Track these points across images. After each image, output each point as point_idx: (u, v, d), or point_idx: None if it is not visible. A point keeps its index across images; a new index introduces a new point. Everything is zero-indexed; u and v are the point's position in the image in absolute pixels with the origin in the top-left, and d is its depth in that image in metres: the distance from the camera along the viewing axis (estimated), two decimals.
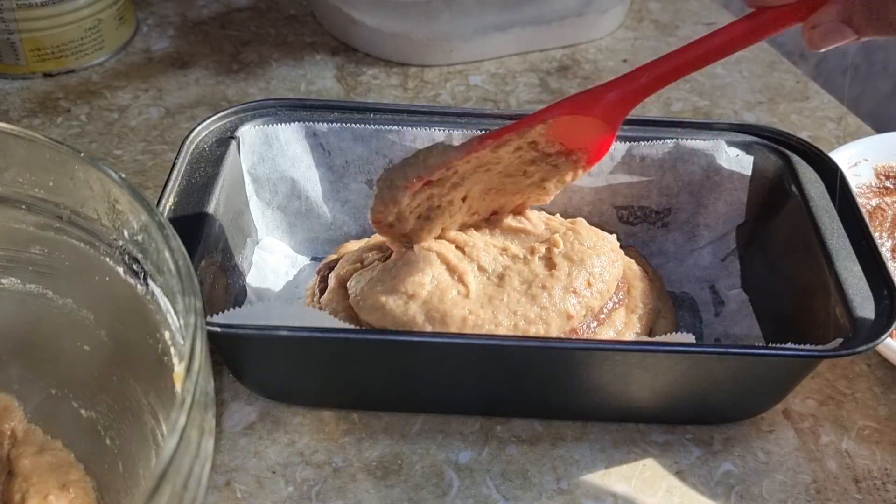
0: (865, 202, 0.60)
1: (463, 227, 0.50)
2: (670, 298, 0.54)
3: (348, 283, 0.50)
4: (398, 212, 0.46)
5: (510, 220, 0.51)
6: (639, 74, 0.44)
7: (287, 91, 0.73)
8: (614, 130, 0.46)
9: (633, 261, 0.53)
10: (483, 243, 0.49)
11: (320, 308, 0.50)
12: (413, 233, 0.48)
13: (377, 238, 0.53)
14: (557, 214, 0.53)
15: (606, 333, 0.49)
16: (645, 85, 0.44)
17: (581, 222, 0.51)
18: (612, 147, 0.54)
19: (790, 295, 0.50)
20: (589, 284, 0.48)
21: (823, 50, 0.41)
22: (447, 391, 0.48)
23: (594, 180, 0.55)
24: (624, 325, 0.50)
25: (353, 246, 0.54)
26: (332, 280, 0.51)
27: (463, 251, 0.49)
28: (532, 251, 0.49)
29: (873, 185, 0.60)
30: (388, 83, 0.75)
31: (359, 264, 0.51)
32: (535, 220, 0.51)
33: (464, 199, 0.48)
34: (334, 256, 0.54)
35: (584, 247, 0.49)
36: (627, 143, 0.54)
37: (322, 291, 0.51)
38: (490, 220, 0.51)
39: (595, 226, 0.55)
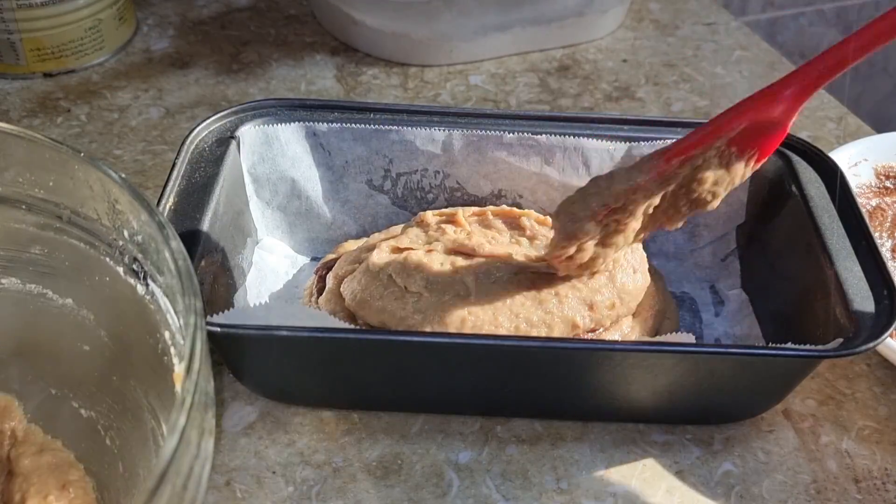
0: (865, 202, 0.60)
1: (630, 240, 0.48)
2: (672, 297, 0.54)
3: (342, 286, 0.50)
4: (580, 243, 0.45)
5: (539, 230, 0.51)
6: (813, 67, 0.43)
7: (287, 91, 0.73)
8: (788, 124, 0.44)
9: None
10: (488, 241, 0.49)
11: (318, 308, 0.50)
12: (591, 261, 0.47)
13: (376, 238, 0.53)
14: None
15: (611, 337, 0.49)
16: (821, 75, 0.43)
17: None
18: (612, 147, 0.54)
19: (790, 295, 0.50)
20: (612, 307, 0.48)
21: None
22: (447, 391, 0.48)
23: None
24: (630, 330, 0.49)
25: (352, 245, 0.54)
26: (330, 280, 0.51)
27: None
28: None
29: (873, 184, 0.60)
30: (388, 83, 0.75)
31: (357, 265, 0.51)
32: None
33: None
34: (332, 256, 0.54)
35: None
36: (627, 143, 0.54)
37: (320, 291, 0.51)
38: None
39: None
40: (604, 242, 0.46)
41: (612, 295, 0.48)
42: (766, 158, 0.45)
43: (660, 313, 0.51)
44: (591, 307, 0.47)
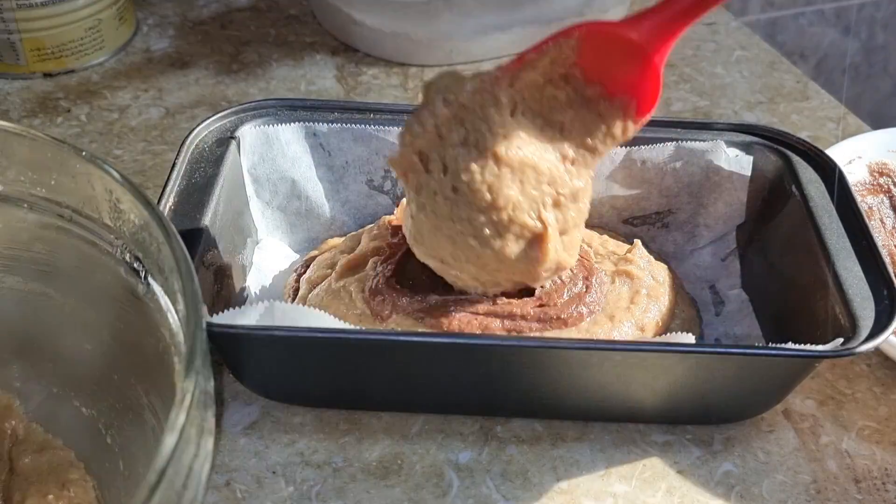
0: (860, 200, 0.59)
1: None
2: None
3: (307, 299, 0.49)
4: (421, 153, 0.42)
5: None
6: None
7: (287, 91, 0.73)
8: (660, 63, 0.39)
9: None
10: None
11: None
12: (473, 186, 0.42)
13: (353, 238, 0.53)
14: (605, 234, 0.53)
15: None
16: (688, 7, 0.38)
17: (637, 245, 0.52)
18: (612, 150, 0.53)
19: (790, 295, 0.50)
20: (657, 325, 0.48)
21: None
22: (447, 391, 0.48)
23: (594, 183, 0.54)
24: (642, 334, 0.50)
25: (337, 242, 0.54)
26: (303, 285, 0.51)
27: None
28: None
29: (867, 182, 0.60)
30: (388, 83, 0.75)
31: (330, 270, 0.51)
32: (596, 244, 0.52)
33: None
34: (315, 253, 0.54)
35: (657, 282, 0.50)
36: (626, 146, 0.54)
37: (296, 292, 0.51)
38: None
39: (596, 228, 0.55)
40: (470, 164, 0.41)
41: (655, 315, 0.48)
42: (654, 108, 0.41)
43: (685, 322, 0.51)
44: (642, 329, 0.48)
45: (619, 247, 0.53)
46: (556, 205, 0.43)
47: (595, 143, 0.42)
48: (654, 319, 0.49)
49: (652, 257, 0.52)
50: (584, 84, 0.41)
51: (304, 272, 0.52)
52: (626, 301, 0.49)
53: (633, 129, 0.42)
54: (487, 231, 0.42)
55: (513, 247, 0.43)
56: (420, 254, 0.46)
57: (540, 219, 0.43)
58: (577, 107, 0.41)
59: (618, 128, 0.42)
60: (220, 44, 0.79)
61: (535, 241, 0.43)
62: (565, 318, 0.47)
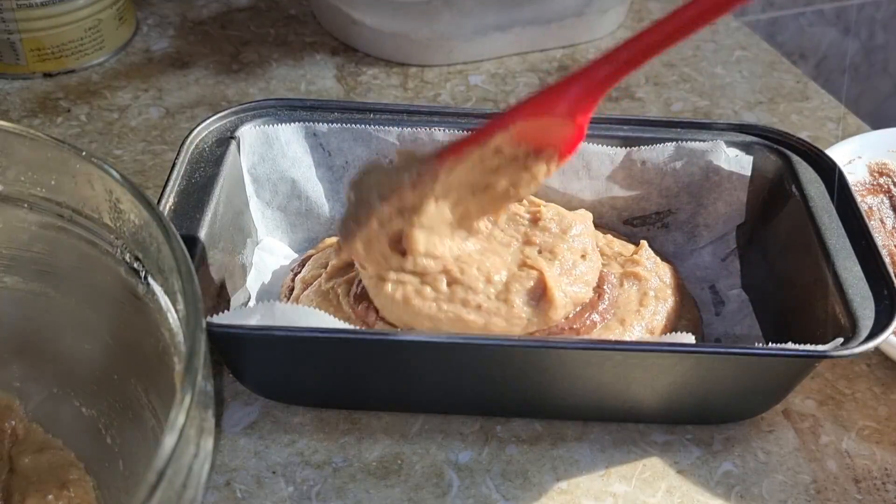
0: (859, 200, 0.59)
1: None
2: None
3: (300, 300, 0.49)
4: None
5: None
6: (600, 65, 0.42)
7: (287, 91, 0.73)
8: (584, 123, 0.43)
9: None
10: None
11: None
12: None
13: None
14: (609, 234, 0.53)
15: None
16: (609, 75, 0.42)
17: (643, 246, 0.52)
18: (612, 151, 0.54)
19: (790, 295, 0.50)
20: (664, 328, 0.48)
21: None
22: (447, 391, 0.48)
23: (594, 184, 0.55)
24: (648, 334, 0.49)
25: (334, 241, 0.54)
26: (298, 285, 0.51)
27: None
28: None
29: (867, 182, 0.60)
30: (388, 83, 0.75)
31: (323, 269, 0.51)
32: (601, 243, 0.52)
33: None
34: (313, 252, 0.54)
35: (664, 284, 0.50)
36: (627, 146, 0.54)
37: (292, 291, 0.51)
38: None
39: (598, 228, 0.55)
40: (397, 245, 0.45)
41: (663, 317, 0.48)
42: (573, 153, 0.44)
43: (691, 323, 0.51)
44: (651, 332, 0.48)
45: (625, 247, 0.53)
46: (528, 243, 0.48)
47: (519, 190, 0.45)
48: (662, 321, 0.48)
49: (658, 258, 0.52)
50: (514, 149, 0.44)
51: (300, 271, 0.52)
52: (635, 304, 0.49)
53: (554, 171, 0.45)
54: (491, 303, 0.45)
55: (521, 305, 0.45)
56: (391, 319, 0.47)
57: (526, 265, 0.46)
58: (503, 168, 0.44)
59: (542, 174, 0.44)
60: (220, 44, 0.79)
61: (538, 288, 0.46)
62: (577, 327, 0.46)
